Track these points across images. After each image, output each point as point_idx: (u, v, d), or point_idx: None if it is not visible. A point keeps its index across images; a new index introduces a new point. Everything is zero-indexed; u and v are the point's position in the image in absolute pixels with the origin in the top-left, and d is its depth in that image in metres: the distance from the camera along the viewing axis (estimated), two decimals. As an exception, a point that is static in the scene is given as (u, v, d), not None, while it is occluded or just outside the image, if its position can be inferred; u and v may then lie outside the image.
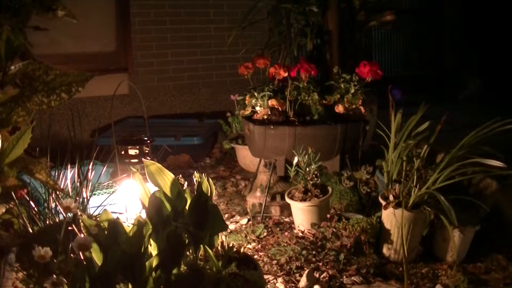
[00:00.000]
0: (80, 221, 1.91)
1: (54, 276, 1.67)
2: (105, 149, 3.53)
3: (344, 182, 3.71)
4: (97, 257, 1.90)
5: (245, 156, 4.03)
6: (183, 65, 6.10)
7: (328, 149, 3.52)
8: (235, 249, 2.33)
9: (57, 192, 2.55)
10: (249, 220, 3.64)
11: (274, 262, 3.02)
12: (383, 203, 3.06)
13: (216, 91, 6.24)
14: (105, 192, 3.12)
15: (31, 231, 2.35)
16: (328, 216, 3.21)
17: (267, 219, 3.64)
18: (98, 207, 2.52)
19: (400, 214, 2.95)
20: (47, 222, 2.41)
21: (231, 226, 3.60)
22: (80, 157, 2.90)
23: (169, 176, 2.17)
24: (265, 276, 2.92)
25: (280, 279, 2.90)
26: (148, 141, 2.93)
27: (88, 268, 1.80)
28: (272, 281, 2.90)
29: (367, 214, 3.38)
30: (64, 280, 1.68)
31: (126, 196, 2.85)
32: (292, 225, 3.48)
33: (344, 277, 2.91)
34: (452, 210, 2.78)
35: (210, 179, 2.24)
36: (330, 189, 3.36)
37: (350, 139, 3.53)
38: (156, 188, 2.14)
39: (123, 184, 2.87)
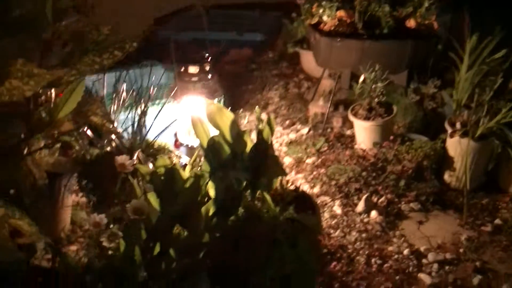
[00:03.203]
0: (137, 169, 1.91)
1: (110, 230, 1.69)
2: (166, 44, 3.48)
3: (410, 96, 3.58)
4: (154, 201, 1.93)
5: (309, 61, 3.93)
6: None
7: (396, 65, 3.39)
8: (293, 187, 2.33)
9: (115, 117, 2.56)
10: (310, 130, 3.61)
11: (333, 182, 3.01)
12: (449, 130, 2.97)
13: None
14: (163, 103, 3.09)
15: (88, 157, 2.37)
16: (391, 137, 3.14)
17: (328, 129, 3.59)
18: (157, 136, 2.50)
19: (466, 143, 2.87)
20: (105, 149, 2.43)
21: (292, 135, 3.59)
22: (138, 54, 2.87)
23: (228, 116, 2.12)
24: (323, 198, 2.94)
25: (337, 202, 2.91)
26: (209, 59, 2.86)
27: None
28: (329, 204, 2.91)
29: (432, 135, 3.27)
30: (120, 233, 1.70)
31: (185, 114, 2.84)
32: (354, 140, 3.43)
33: (403, 203, 2.90)
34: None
35: (272, 118, 2.17)
36: (395, 108, 3.26)
37: (420, 56, 3.37)
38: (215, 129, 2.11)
39: (183, 101, 2.85)
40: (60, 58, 1.56)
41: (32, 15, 1.43)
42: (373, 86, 3.20)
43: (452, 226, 2.78)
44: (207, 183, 1.98)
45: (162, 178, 1.93)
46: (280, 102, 4.02)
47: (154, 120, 2.66)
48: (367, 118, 3.21)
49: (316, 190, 3.01)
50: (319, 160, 3.27)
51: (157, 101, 3.07)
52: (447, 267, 2.53)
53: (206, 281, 1.78)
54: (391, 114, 3.21)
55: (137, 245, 1.77)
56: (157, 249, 1.82)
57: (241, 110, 3.90)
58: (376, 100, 3.23)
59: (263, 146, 2.04)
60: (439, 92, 3.63)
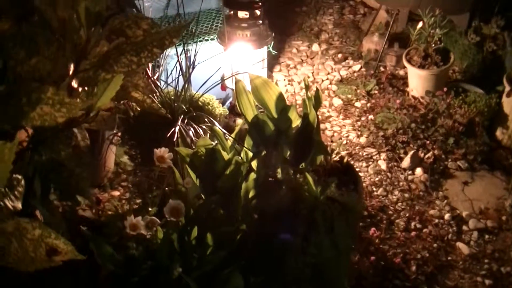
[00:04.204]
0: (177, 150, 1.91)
1: (148, 217, 1.71)
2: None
3: (470, 36, 3.39)
4: (194, 177, 1.95)
5: (367, -10, 3.74)
6: None
7: (458, 6, 3.20)
8: (338, 158, 2.29)
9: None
10: (361, 67, 3.50)
11: (381, 133, 2.96)
12: (507, 88, 2.84)
13: None
14: (212, 39, 3.01)
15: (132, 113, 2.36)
16: (445, 89, 3.02)
17: (381, 68, 3.47)
18: (205, 91, 2.45)
19: (524, 103, 2.75)
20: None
21: (343, 72, 3.49)
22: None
23: (275, 90, 2.07)
24: (369, 150, 2.91)
25: (383, 156, 2.87)
26: (260, 3, 2.74)
27: (182, 198, 1.83)
28: (375, 157, 2.88)
29: (489, 84, 3.13)
30: (158, 221, 1.73)
31: (232, 59, 2.78)
32: (406, 83, 3.31)
33: (449, 160, 2.84)
34: None
35: (320, 92, 2.10)
36: (452, 56, 3.11)
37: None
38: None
39: (230, 47, 2.78)
40: (96, 59, 1.52)
41: (62, 25, 1.38)
42: (431, 31, 3.05)
43: (498, 189, 2.73)
44: (250, 161, 1.97)
45: (203, 158, 1.93)
46: (333, 30, 3.88)
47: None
48: (421, 66, 3.08)
49: (363, 140, 2.97)
50: (369, 104, 3.20)
51: (206, 37, 3.00)
52: (487, 236, 2.52)
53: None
54: (448, 63, 3.07)
55: (175, 232, 1.80)
56: (195, 233, 1.85)
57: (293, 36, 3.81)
58: (433, 46, 3.08)
59: (309, 129, 1.99)
60: (501, 33, 3.43)
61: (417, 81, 3.14)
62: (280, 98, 2.08)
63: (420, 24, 3.05)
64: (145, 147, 2.37)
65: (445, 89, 3.02)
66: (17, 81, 1.31)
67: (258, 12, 2.73)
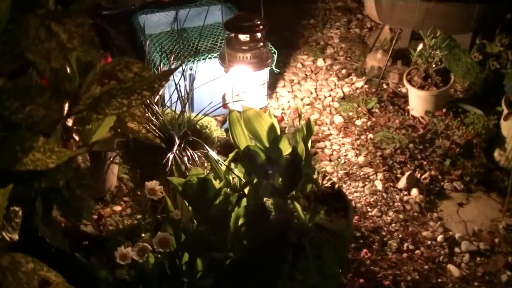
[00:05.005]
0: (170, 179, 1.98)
1: (140, 244, 1.79)
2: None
3: (473, 55, 3.43)
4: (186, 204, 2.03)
5: (372, 7, 3.78)
6: None
7: (460, 28, 3.25)
8: (329, 184, 2.36)
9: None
10: (364, 83, 3.56)
11: (379, 153, 3.01)
12: (505, 111, 2.88)
13: None
14: (215, 57, 3.07)
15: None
16: (444, 110, 3.07)
17: (383, 85, 3.53)
18: (206, 113, 2.52)
19: (521, 127, 2.79)
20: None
21: (345, 89, 3.55)
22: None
23: (267, 120, 2.15)
24: (366, 170, 2.96)
25: (380, 176, 2.92)
26: (261, 27, 2.80)
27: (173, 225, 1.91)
28: (372, 177, 2.93)
29: (489, 104, 3.17)
30: (149, 247, 1.80)
31: (234, 81, 2.85)
32: (407, 101, 3.36)
33: (446, 181, 2.89)
34: None
35: (312, 123, 2.17)
36: (452, 77, 3.15)
37: (488, 19, 3.21)
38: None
39: (231, 69, 2.85)
40: (89, 101, 1.60)
41: (55, 75, 1.47)
42: (432, 52, 3.10)
43: (492, 211, 2.78)
44: (240, 189, 2.05)
45: (195, 187, 2.01)
46: (339, 44, 3.94)
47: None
48: (421, 87, 3.14)
49: (361, 159, 3.03)
50: (369, 122, 3.25)
51: (210, 55, 3.06)
52: (478, 259, 2.56)
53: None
54: (448, 84, 3.12)
55: (166, 258, 1.88)
56: (186, 258, 1.93)
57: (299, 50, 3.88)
58: (434, 66, 3.13)
59: (297, 161, 2.06)
60: (505, 51, 3.46)
61: (417, 101, 3.19)
62: (272, 128, 2.16)
63: (421, 46, 3.10)
64: (144, 170, 2.47)
65: (444, 110, 3.06)
66: (11, 128, 1.40)
67: (259, 34, 2.80)
